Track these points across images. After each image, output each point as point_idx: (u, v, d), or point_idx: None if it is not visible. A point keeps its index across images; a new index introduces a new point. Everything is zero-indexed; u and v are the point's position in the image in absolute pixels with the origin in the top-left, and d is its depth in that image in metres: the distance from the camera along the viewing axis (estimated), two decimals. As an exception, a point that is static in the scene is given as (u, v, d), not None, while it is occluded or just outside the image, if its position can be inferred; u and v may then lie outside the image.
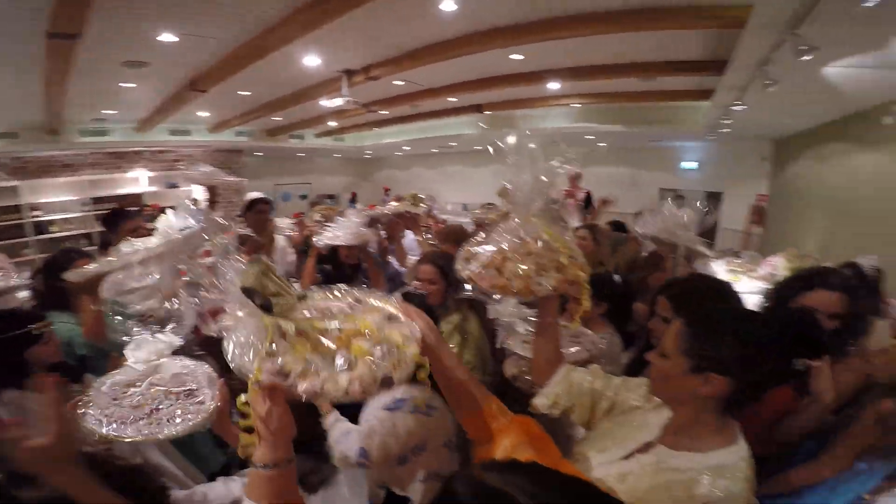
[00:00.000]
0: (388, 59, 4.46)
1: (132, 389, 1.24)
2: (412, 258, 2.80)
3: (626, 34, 3.51)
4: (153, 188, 8.77)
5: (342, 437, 1.37)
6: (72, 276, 1.56)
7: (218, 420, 1.24)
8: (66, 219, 7.89)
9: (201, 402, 1.24)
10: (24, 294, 2.18)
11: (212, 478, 1.44)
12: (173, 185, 8.80)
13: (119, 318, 1.77)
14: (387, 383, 0.73)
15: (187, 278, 1.67)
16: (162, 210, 1.69)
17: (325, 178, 13.77)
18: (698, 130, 6.44)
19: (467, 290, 1.57)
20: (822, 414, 1.22)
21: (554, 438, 0.88)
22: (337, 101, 5.01)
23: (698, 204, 2.48)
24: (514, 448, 0.82)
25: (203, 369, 1.37)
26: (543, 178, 1.03)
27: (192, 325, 1.80)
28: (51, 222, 7.73)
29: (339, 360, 0.74)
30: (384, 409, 1.34)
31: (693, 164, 8.84)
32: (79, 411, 1.13)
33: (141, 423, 1.13)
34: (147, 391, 1.24)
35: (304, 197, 12.73)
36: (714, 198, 8.39)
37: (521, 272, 1.00)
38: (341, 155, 13.34)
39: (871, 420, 1.12)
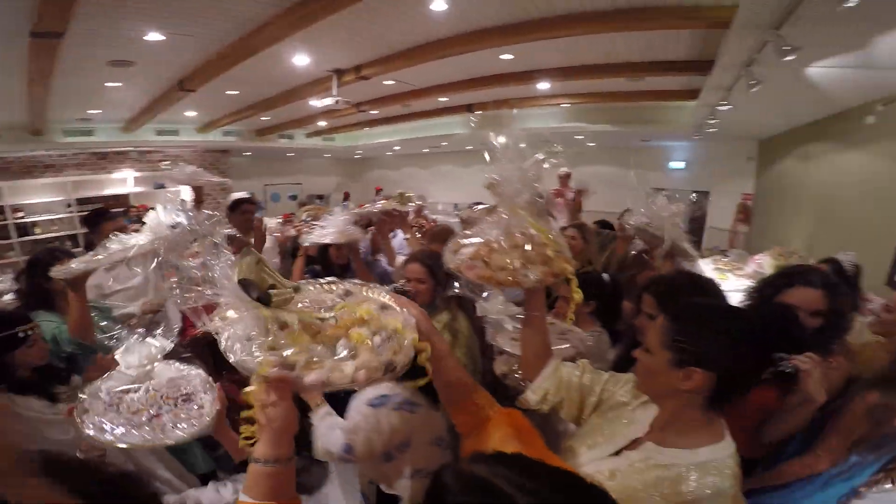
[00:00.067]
0: (378, 59, 4.46)
1: (130, 395, 1.24)
2: (402, 258, 2.80)
3: (615, 34, 3.55)
4: (140, 189, 8.66)
5: (327, 431, 1.37)
6: (58, 272, 1.54)
7: (216, 423, 1.24)
8: (50, 220, 7.76)
9: (201, 407, 1.24)
10: (8, 297, 2.15)
11: (203, 480, 1.43)
12: (160, 186, 8.69)
13: (104, 322, 1.76)
14: (390, 369, 0.74)
15: (174, 280, 1.66)
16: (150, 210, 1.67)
17: (315, 178, 13.71)
18: (686, 130, 6.52)
19: (455, 288, 1.57)
20: (811, 415, 1.22)
21: (544, 434, 0.89)
22: (327, 101, 4.98)
23: (689, 197, 2.48)
24: (501, 441, 0.82)
25: (196, 373, 1.37)
26: (530, 171, 1.03)
27: (180, 326, 1.79)
28: (34, 224, 7.59)
29: (342, 349, 0.74)
30: (368, 405, 1.35)
31: (680, 164, 8.94)
32: (77, 418, 1.12)
33: (145, 429, 1.14)
34: (144, 397, 1.24)
35: (293, 197, 12.67)
36: (701, 197, 8.49)
37: (507, 264, 1.00)
38: (331, 155, 13.28)
39: (860, 412, 1.14)
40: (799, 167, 5.58)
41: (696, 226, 8.62)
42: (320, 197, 13.00)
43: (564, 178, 4.54)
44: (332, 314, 0.82)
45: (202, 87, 4.73)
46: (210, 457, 1.73)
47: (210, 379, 1.33)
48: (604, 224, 3.77)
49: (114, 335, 1.46)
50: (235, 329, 0.74)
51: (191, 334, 1.88)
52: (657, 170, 9.30)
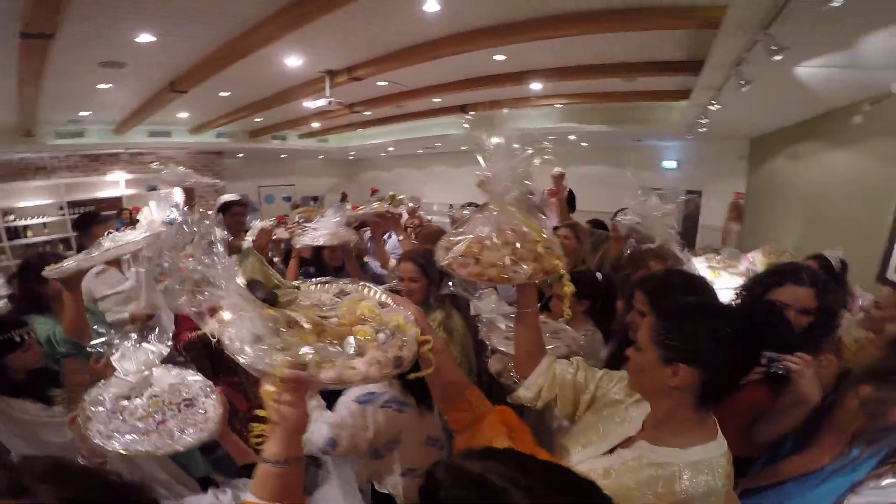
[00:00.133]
0: (371, 60, 4.45)
1: (132, 402, 1.25)
2: (395, 261, 2.81)
3: (608, 35, 3.57)
4: (132, 191, 8.59)
5: (312, 424, 1.38)
6: (51, 272, 1.54)
7: (221, 427, 1.24)
8: (42, 224, 7.68)
9: (204, 412, 1.24)
10: (0, 301, 2.13)
11: (203, 484, 1.43)
12: (153, 188, 8.63)
13: (96, 325, 1.75)
14: (398, 364, 0.75)
15: (166, 283, 1.65)
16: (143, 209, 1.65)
17: (309, 179, 13.66)
18: (678, 130, 6.56)
19: (449, 287, 1.58)
20: (805, 414, 1.23)
21: (538, 431, 0.90)
22: (320, 102, 4.97)
23: (678, 199, 2.49)
24: (493, 438, 0.84)
25: (194, 377, 1.37)
26: (519, 168, 1.04)
27: (172, 331, 1.78)
28: (26, 227, 7.51)
29: (350, 346, 0.75)
30: (355, 401, 1.36)
31: (673, 164, 9.01)
32: (82, 426, 1.12)
33: (153, 436, 1.14)
34: (147, 403, 1.24)
35: (288, 199, 12.62)
36: (694, 196, 8.56)
37: (498, 261, 1.01)
38: (325, 156, 13.24)
39: (853, 407, 1.14)
40: (789, 166, 5.64)
41: (690, 224, 8.71)
42: (315, 198, 12.96)
43: (558, 179, 4.56)
44: (335, 313, 0.83)
45: (194, 88, 4.70)
46: (207, 460, 1.73)
47: (210, 383, 1.34)
48: (596, 224, 3.78)
49: (105, 341, 1.44)
50: (239, 330, 0.73)
51: (184, 338, 1.87)
52: (650, 169, 9.37)
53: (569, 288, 1.10)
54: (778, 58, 2.46)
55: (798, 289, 1.39)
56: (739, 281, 1.94)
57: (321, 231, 2.43)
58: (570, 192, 6.08)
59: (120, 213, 7.74)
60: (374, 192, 9.76)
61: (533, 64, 4.76)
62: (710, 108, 4.39)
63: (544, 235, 1.07)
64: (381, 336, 0.78)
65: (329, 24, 3.27)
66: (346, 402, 1.38)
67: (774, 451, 1.35)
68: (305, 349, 0.71)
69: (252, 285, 0.78)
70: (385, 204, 2.88)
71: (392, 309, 0.88)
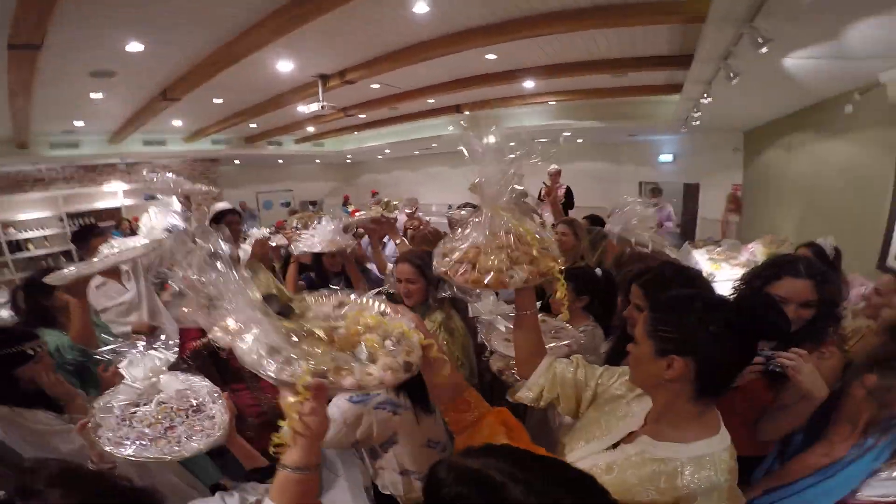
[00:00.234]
0: (362, 63, 4.47)
1: (141, 409, 1.26)
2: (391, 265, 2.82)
3: (597, 31, 3.60)
4: (130, 201, 8.58)
5: None
6: (53, 279, 1.55)
7: (229, 433, 1.26)
8: (43, 236, 7.67)
9: (212, 418, 1.25)
10: (4, 314, 2.15)
11: (212, 490, 1.45)
12: (151, 198, 8.60)
13: (102, 335, 1.76)
14: (408, 368, 0.78)
15: (171, 293, 1.66)
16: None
17: (307, 184, 13.65)
18: (672, 124, 6.58)
19: (446, 291, 1.59)
20: (812, 410, 1.20)
21: (542, 429, 0.91)
22: (313, 107, 4.99)
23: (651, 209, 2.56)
24: (491, 437, 0.85)
25: (201, 383, 1.39)
26: (510, 170, 1.03)
27: (177, 338, 1.79)
28: (27, 241, 7.49)
29: (363, 354, 0.78)
30: (350, 401, 1.38)
31: (669, 157, 9.03)
32: (92, 433, 1.13)
33: (161, 442, 1.15)
34: (156, 409, 1.26)
35: (286, 204, 12.58)
36: (692, 189, 8.59)
37: (493, 265, 1.01)
38: (322, 160, 13.23)
39: (861, 396, 1.14)
40: (782, 157, 5.66)
41: (689, 217, 8.74)
42: (313, 203, 12.91)
43: (555, 176, 4.58)
44: (341, 323, 0.85)
45: (186, 95, 4.72)
46: (215, 464, 1.75)
47: (218, 389, 1.35)
48: (594, 220, 3.80)
49: (112, 348, 1.46)
50: (256, 343, 0.74)
51: (190, 347, 1.89)
52: (646, 164, 9.39)
53: (561, 292, 1.08)
54: (764, 50, 2.48)
55: (796, 281, 1.36)
56: (740, 272, 1.95)
57: (317, 238, 2.45)
58: (568, 189, 6.12)
59: (119, 224, 7.75)
60: (374, 194, 9.77)
61: (524, 62, 4.79)
62: (703, 101, 4.41)
63: (538, 237, 1.06)
64: (389, 343, 0.81)
65: (319, 29, 3.29)
66: (338, 401, 1.40)
67: (783, 449, 1.34)
68: (322, 359, 0.74)
69: (268, 299, 0.80)
70: (379, 209, 2.89)
71: (393, 318, 0.90)
